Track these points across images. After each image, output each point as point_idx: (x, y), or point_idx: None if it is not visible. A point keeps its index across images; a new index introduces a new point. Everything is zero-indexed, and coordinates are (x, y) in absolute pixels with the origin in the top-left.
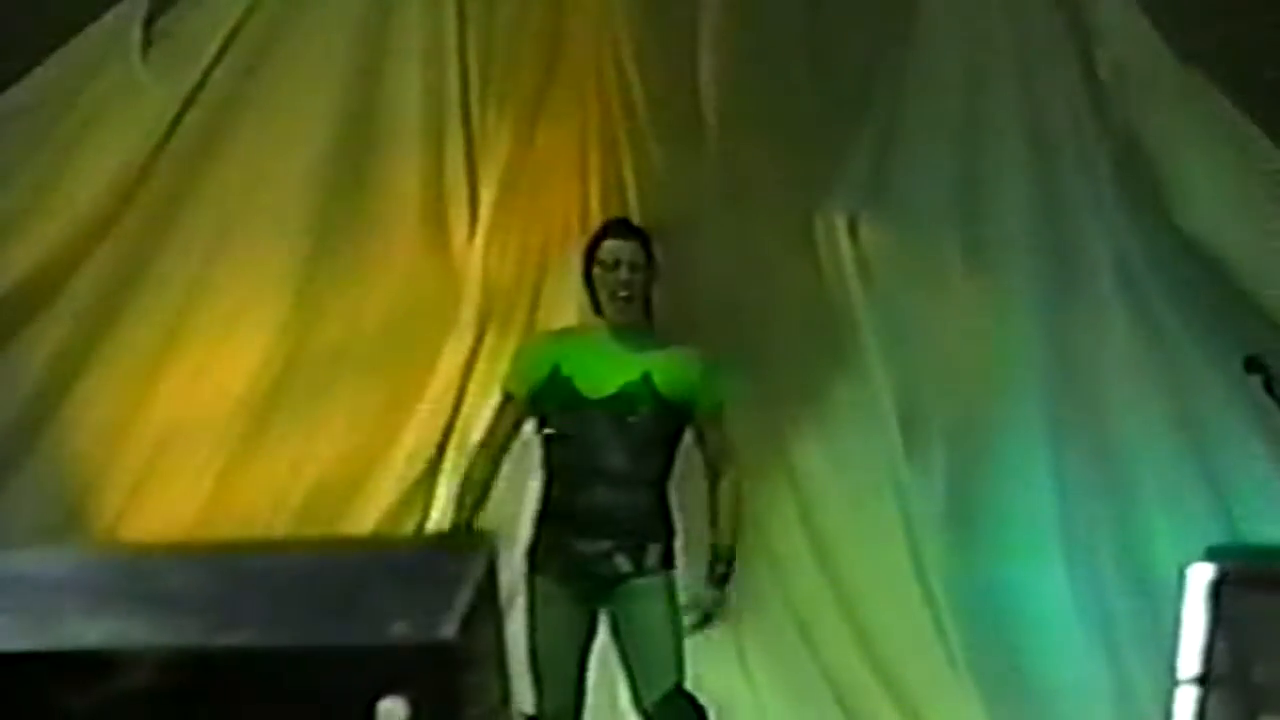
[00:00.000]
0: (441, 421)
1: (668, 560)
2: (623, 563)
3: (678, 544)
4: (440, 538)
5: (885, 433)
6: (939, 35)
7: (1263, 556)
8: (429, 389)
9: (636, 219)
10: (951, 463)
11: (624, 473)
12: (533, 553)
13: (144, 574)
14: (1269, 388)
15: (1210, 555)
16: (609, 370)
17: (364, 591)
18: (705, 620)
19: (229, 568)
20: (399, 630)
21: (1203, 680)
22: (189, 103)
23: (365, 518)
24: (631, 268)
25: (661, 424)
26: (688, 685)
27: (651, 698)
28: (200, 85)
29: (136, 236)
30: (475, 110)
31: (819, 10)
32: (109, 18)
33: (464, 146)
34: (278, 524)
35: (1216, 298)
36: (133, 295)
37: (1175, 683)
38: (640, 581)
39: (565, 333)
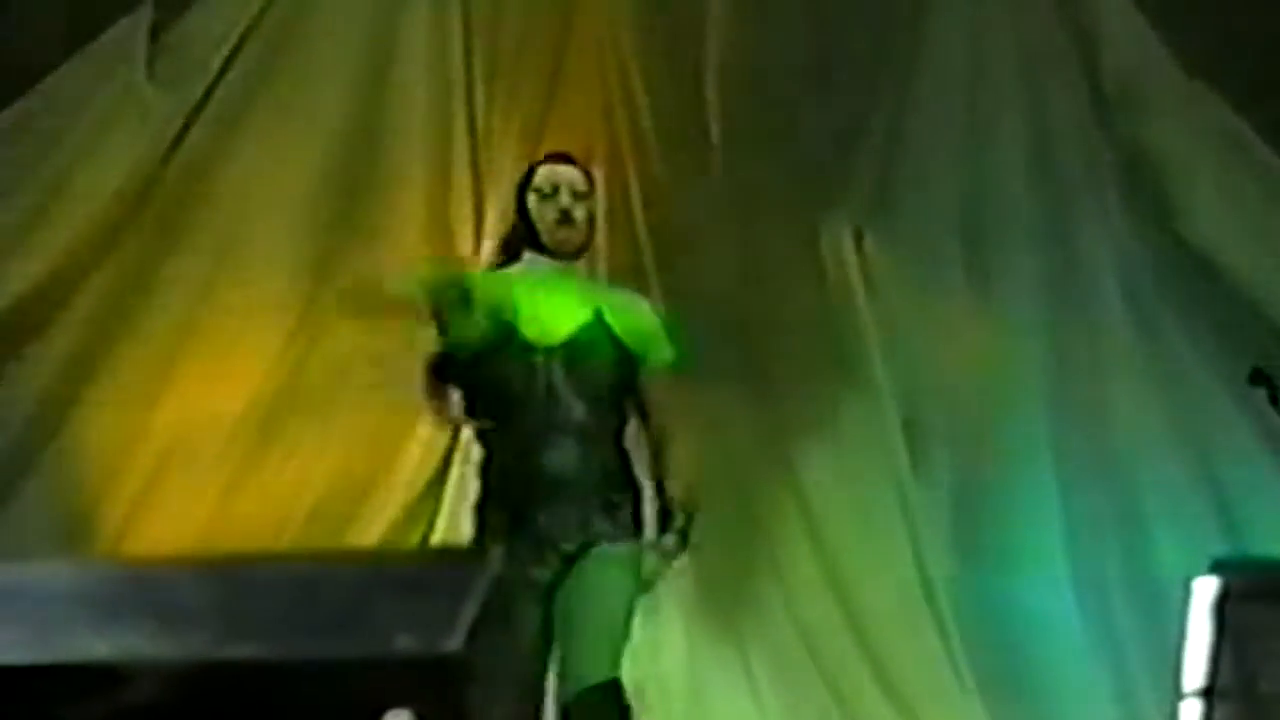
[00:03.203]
0: (446, 435)
1: (636, 522)
2: (599, 526)
3: (645, 503)
4: (445, 551)
5: (891, 445)
6: (943, 49)
7: (1267, 570)
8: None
9: (642, 232)
10: (957, 475)
11: (585, 427)
12: (479, 539)
13: (149, 587)
14: (1274, 400)
15: (1215, 569)
16: (559, 312)
17: (369, 605)
18: (654, 577)
19: (234, 581)
20: (404, 643)
21: (1208, 692)
22: (195, 113)
23: (370, 531)
24: (573, 193)
25: (618, 371)
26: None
27: (583, 681)
28: (206, 95)
29: (141, 248)
30: (481, 123)
31: (823, 24)
32: (115, 28)
33: (469, 158)
34: (283, 537)
35: (1221, 310)
36: (138, 307)
37: (1180, 695)
38: (606, 547)
39: (492, 276)
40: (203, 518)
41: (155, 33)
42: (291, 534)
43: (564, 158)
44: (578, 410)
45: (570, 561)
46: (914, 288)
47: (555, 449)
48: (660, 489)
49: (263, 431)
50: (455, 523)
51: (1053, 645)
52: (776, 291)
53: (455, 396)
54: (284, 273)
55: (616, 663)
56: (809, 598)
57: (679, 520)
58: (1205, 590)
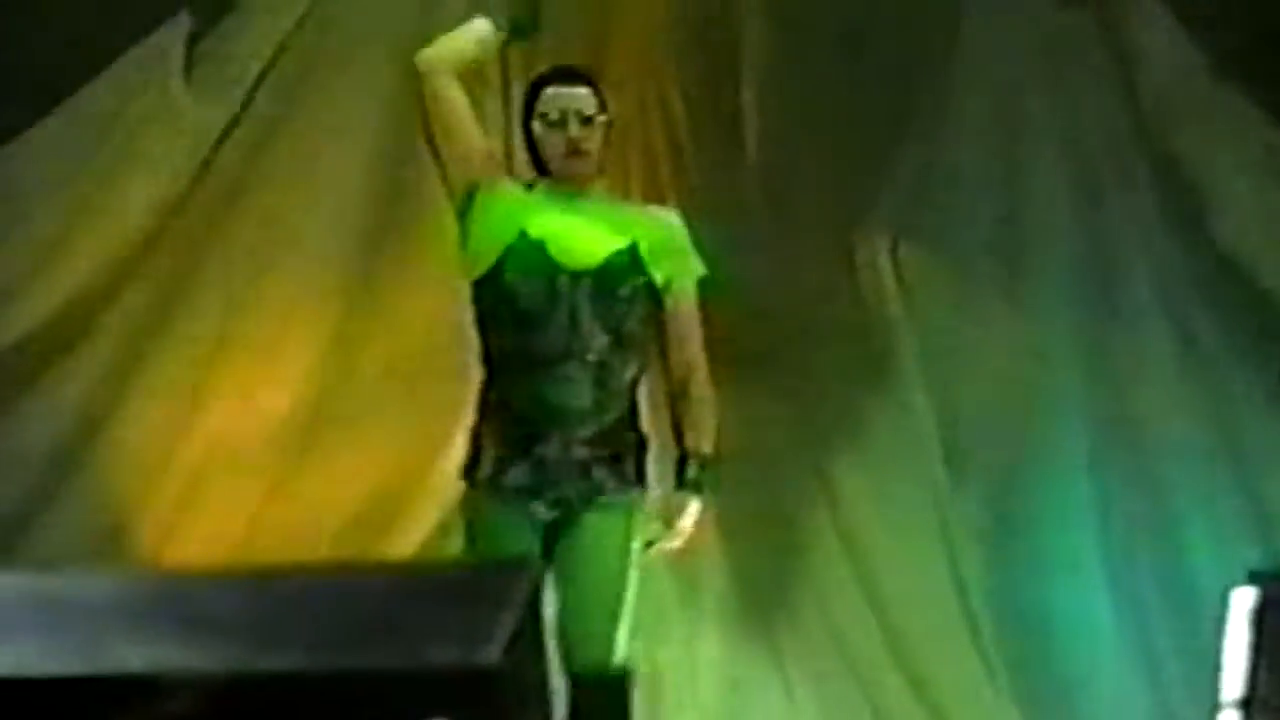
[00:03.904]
0: None
1: (640, 476)
2: (601, 475)
3: (649, 456)
4: (483, 561)
5: (927, 457)
6: (980, 57)
7: None
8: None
9: None
10: (993, 485)
11: (605, 363)
12: (471, 467)
13: (186, 598)
14: None
15: (1253, 579)
16: (590, 235)
17: (406, 615)
18: (663, 534)
19: (271, 591)
20: (441, 654)
21: (1245, 704)
22: (232, 124)
23: (409, 539)
24: (582, 120)
25: (645, 308)
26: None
27: (584, 647)
28: (244, 106)
29: (178, 258)
30: (517, 130)
31: (860, 33)
32: (151, 40)
33: (505, 167)
34: (320, 546)
35: (1259, 318)
36: (174, 317)
37: (1217, 706)
38: (607, 501)
39: (519, 190)
40: (241, 526)
41: (192, 41)
42: (329, 543)
43: (572, 74)
44: (598, 342)
45: (568, 510)
46: (949, 296)
47: (570, 380)
48: (678, 436)
49: (301, 440)
50: None
51: (1089, 654)
52: (812, 300)
53: None
54: (321, 282)
55: (615, 624)
56: (842, 601)
57: (692, 469)
58: (1243, 600)
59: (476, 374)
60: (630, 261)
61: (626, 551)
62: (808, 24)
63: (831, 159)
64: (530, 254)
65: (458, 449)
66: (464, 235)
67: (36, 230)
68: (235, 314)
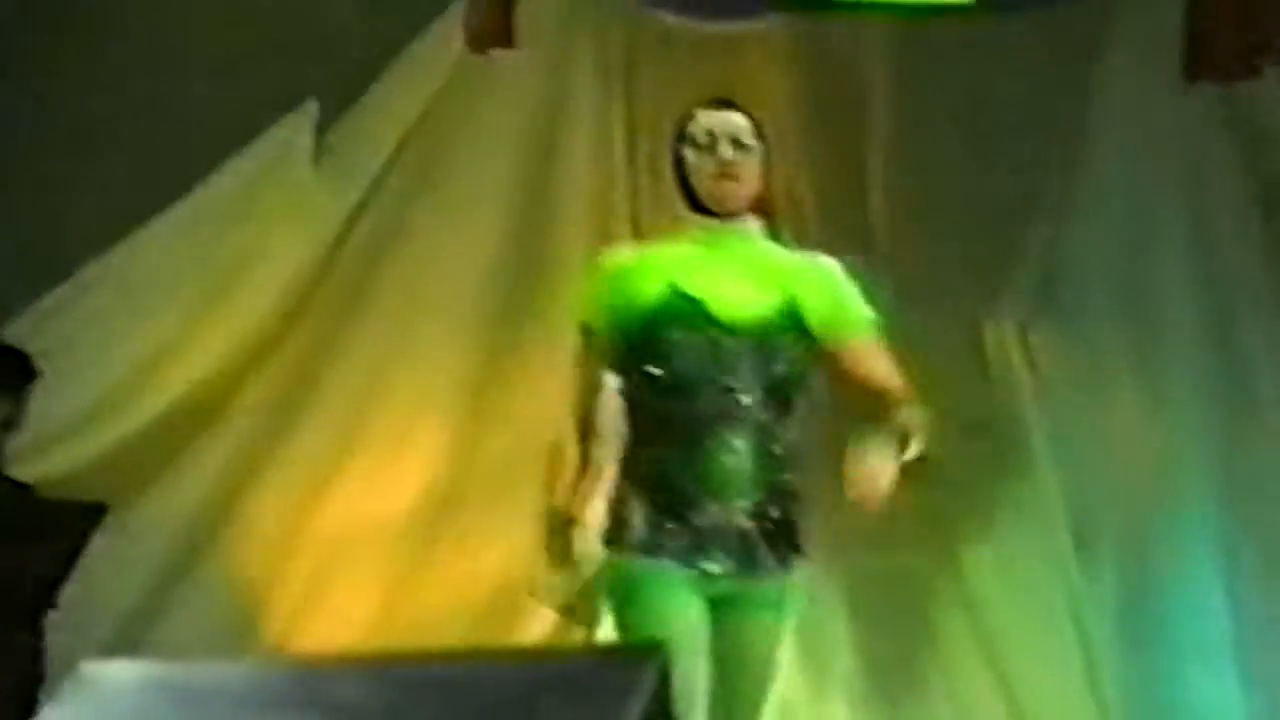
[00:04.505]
0: None
1: (798, 547)
2: (762, 553)
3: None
4: (611, 649)
5: (1055, 538)
6: (1107, 139)
7: None
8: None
9: None
10: (1122, 566)
11: (765, 426)
12: (618, 531)
13: (317, 684)
14: None
15: None
16: (748, 289)
17: (534, 704)
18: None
19: (401, 678)
20: None
21: None
22: (359, 210)
23: (536, 627)
24: (735, 144)
25: (807, 363)
26: None
27: None
28: (371, 193)
29: (307, 345)
30: (645, 216)
31: (987, 117)
32: (279, 129)
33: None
34: (450, 632)
35: None
36: (304, 403)
37: None
38: (765, 587)
39: (665, 244)
40: (369, 614)
41: (320, 131)
42: (458, 631)
43: (724, 102)
44: (757, 402)
45: (725, 588)
46: (1078, 380)
47: (729, 445)
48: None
49: (429, 527)
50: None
51: None
52: (941, 384)
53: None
54: (450, 366)
55: (759, 712)
56: (970, 683)
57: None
58: None
59: (603, 460)
60: (791, 317)
61: (779, 639)
62: (934, 108)
63: (959, 242)
64: (685, 310)
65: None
66: (602, 302)
67: (164, 319)
68: (363, 403)
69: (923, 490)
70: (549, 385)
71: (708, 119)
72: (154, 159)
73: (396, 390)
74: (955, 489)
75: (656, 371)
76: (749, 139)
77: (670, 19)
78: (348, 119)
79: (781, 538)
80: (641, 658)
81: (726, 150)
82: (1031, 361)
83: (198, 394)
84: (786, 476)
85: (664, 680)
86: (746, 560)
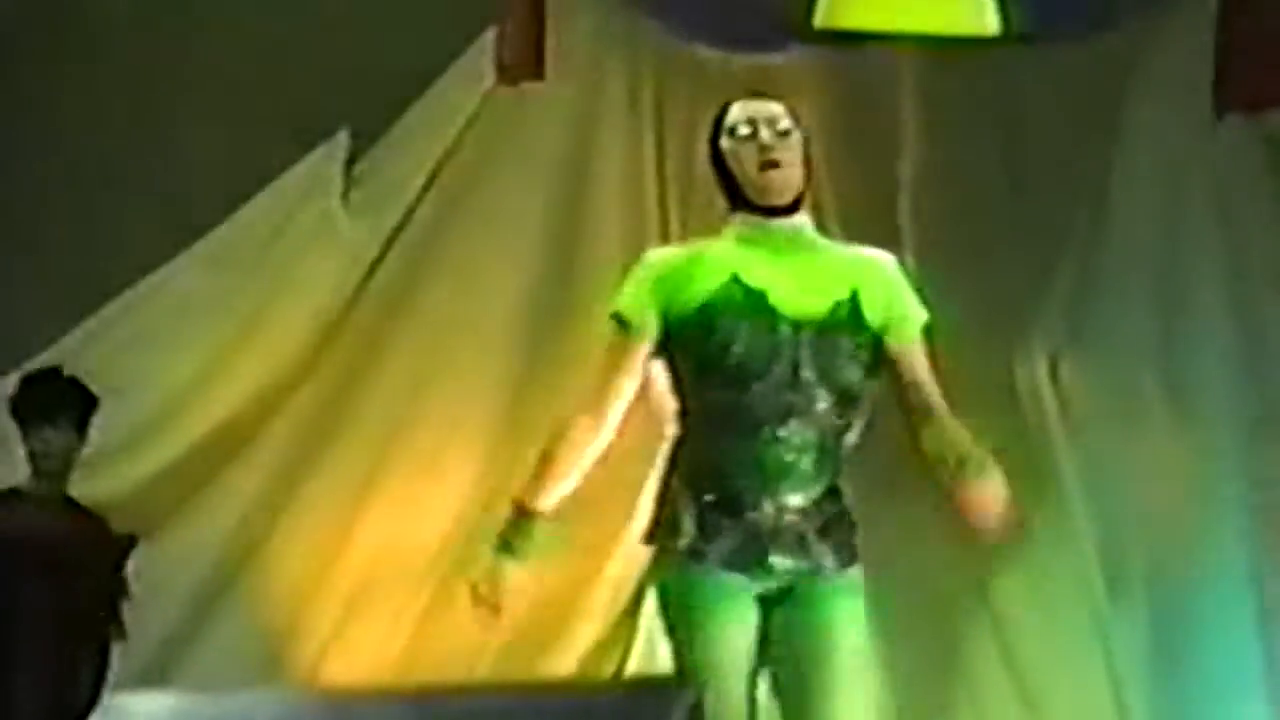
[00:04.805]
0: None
1: (853, 552)
2: (820, 551)
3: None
4: (640, 682)
5: (1086, 568)
6: (1137, 170)
7: None
8: (633, 523)
9: None
10: (1154, 602)
11: (826, 423)
12: (668, 532)
13: (347, 715)
14: None
15: None
16: (810, 282)
17: None
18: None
19: (431, 710)
20: None
21: None
22: (389, 244)
23: (564, 662)
24: (776, 130)
25: (869, 359)
26: None
27: None
28: (400, 226)
29: (337, 377)
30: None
31: (1015, 148)
32: (310, 159)
33: None
34: (479, 665)
35: None
36: (334, 435)
37: None
38: (831, 583)
39: (715, 243)
40: (398, 647)
41: (350, 162)
42: (486, 664)
43: (760, 94)
44: (822, 402)
45: (786, 587)
46: (1109, 414)
47: (788, 441)
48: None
49: (458, 560)
50: (651, 652)
51: None
52: (968, 415)
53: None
54: (479, 400)
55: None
56: (998, 711)
57: (976, 454)
58: None
59: (636, 486)
60: (853, 312)
61: (852, 629)
62: (964, 140)
63: (990, 274)
64: (747, 301)
65: (618, 562)
66: (633, 292)
67: (194, 351)
68: (394, 432)
69: (955, 522)
70: None
71: (744, 108)
72: (186, 189)
73: (427, 421)
74: None
75: (713, 362)
76: (788, 124)
77: (700, 51)
78: (378, 150)
79: (839, 537)
80: (672, 691)
81: (768, 135)
82: (1061, 394)
83: (228, 425)
84: (838, 480)
85: (696, 714)
86: (804, 558)
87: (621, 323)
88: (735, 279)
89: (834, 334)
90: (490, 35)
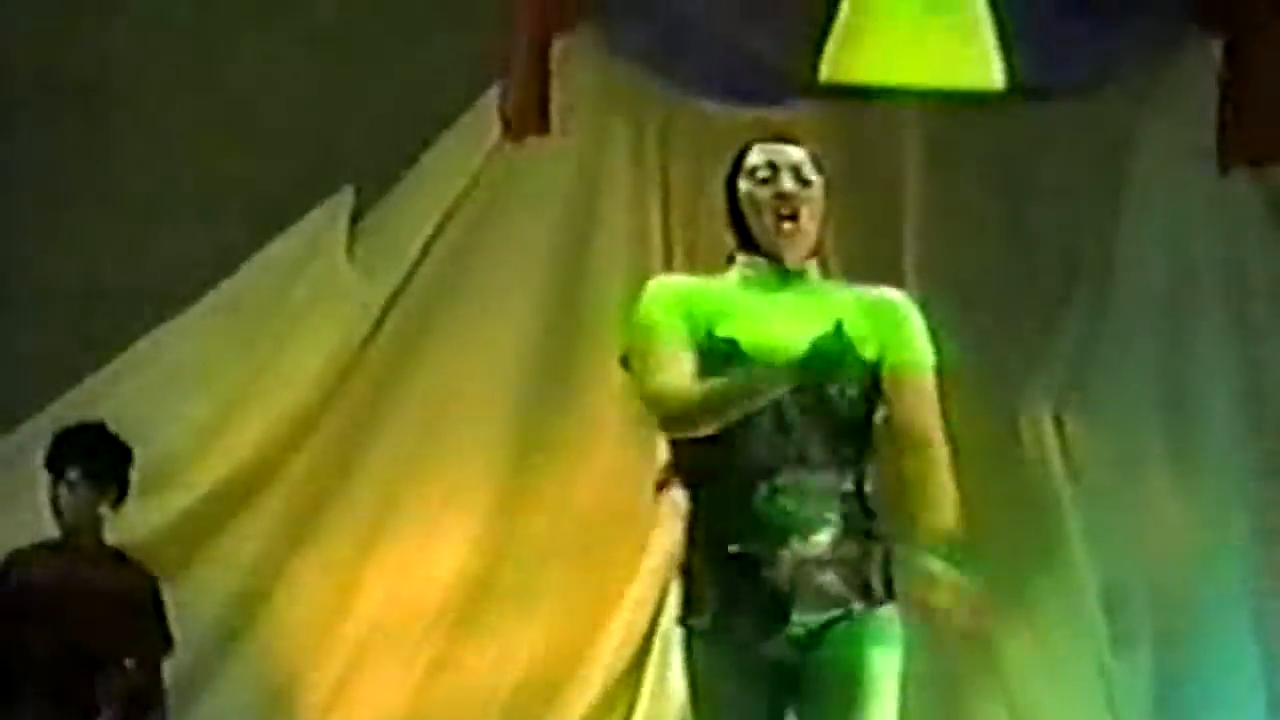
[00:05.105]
0: (649, 611)
1: (889, 588)
2: (845, 597)
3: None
4: None
5: (1091, 624)
6: (1142, 225)
7: None
8: (637, 578)
9: None
10: (1158, 655)
11: (824, 466)
12: (689, 611)
13: None
14: None
15: None
16: (789, 324)
17: None
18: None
19: None
20: None
21: None
22: (394, 298)
23: (573, 710)
24: (797, 177)
25: (864, 400)
26: None
27: None
28: (406, 281)
29: (342, 430)
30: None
31: (1020, 204)
32: (314, 216)
33: None
34: (485, 718)
35: None
36: (338, 490)
37: None
38: (859, 624)
39: (712, 281)
40: (405, 697)
41: (355, 219)
42: (494, 715)
43: (784, 138)
44: (814, 444)
45: (808, 644)
46: (1114, 467)
47: (786, 491)
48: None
49: (463, 614)
50: (656, 706)
51: None
52: (977, 471)
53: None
54: (484, 454)
55: None
56: None
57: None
58: None
59: (639, 542)
60: (837, 345)
61: (894, 678)
62: (968, 196)
63: (994, 330)
64: (720, 355)
65: (621, 617)
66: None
67: (202, 404)
68: (399, 487)
69: (958, 560)
70: (581, 475)
71: (766, 150)
72: (192, 239)
73: (430, 476)
74: (991, 573)
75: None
76: (811, 174)
77: (705, 106)
78: (384, 205)
79: (864, 576)
80: None
81: (789, 183)
82: (1066, 445)
83: (235, 477)
84: (861, 514)
85: None
86: (828, 608)
87: (645, 329)
88: (709, 333)
89: (821, 373)
90: (495, 91)
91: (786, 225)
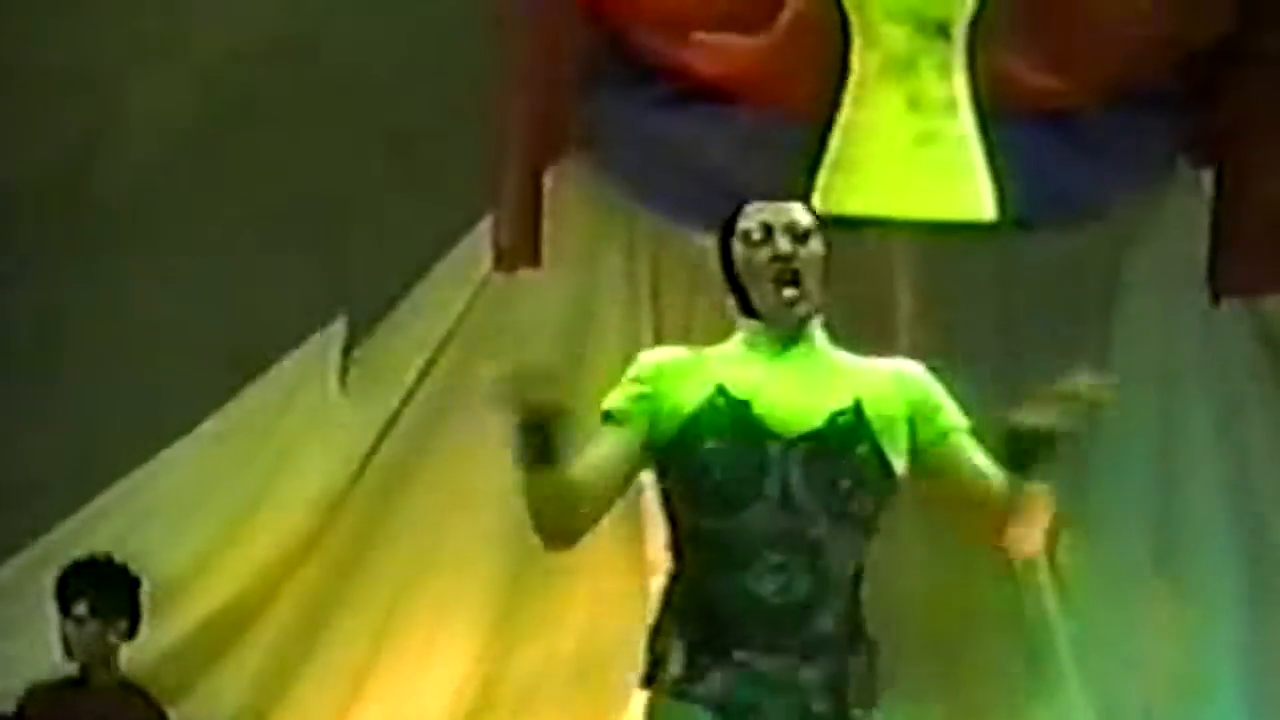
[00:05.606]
0: None
1: (868, 697)
2: (820, 706)
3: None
4: None
5: None
6: (1134, 354)
7: None
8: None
9: None
10: None
11: (823, 549)
12: (654, 668)
13: None
14: None
15: None
16: (804, 392)
17: None
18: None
19: None
20: None
21: None
22: (388, 428)
23: None
24: (794, 236)
25: (874, 477)
26: None
27: None
28: (398, 411)
29: (334, 561)
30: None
31: (1013, 333)
32: (307, 346)
33: None
34: None
35: None
36: (331, 620)
37: None
38: None
39: (718, 349)
40: None
41: (347, 349)
42: None
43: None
44: (818, 525)
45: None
46: (1104, 583)
47: (780, 569)
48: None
49: None
50: None
51: None
52: (968, 589)
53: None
54: (477, 583)
55: None
56: None
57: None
58: None
59: (630, 666)
60: (855, 424)
61: None
62: (960, 324)
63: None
64: (730, 414)
65: None
66: (636, 396)
67: (195, 534)
68: (393, 615)
69: (951, 692)
70: (580, 595)
71: (759, 211)
72: (186, 363)
73: (425, 601)
74: (983, 681)
75: (695, 484)
76: (809, 224)
77: (699, 237)
78: (376, 336)
79: (845, 689)
80: None
81: (785, 243)
82: (1057, 567)
83: (230, 606)
84: (849, 612)
85: None
86: (799, 710)
87: (609, 419)
88: (720, 389)
89: (834, 451)
90: (487, 222)
91: (787, 292)
